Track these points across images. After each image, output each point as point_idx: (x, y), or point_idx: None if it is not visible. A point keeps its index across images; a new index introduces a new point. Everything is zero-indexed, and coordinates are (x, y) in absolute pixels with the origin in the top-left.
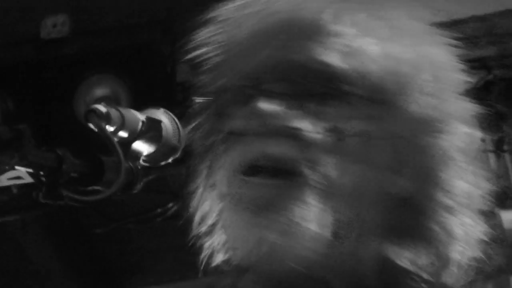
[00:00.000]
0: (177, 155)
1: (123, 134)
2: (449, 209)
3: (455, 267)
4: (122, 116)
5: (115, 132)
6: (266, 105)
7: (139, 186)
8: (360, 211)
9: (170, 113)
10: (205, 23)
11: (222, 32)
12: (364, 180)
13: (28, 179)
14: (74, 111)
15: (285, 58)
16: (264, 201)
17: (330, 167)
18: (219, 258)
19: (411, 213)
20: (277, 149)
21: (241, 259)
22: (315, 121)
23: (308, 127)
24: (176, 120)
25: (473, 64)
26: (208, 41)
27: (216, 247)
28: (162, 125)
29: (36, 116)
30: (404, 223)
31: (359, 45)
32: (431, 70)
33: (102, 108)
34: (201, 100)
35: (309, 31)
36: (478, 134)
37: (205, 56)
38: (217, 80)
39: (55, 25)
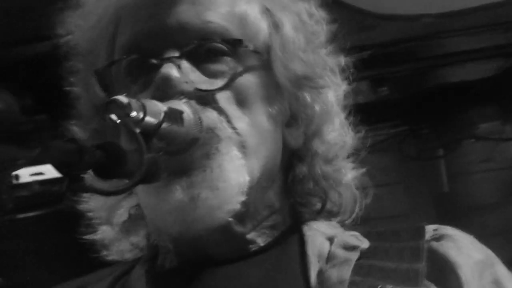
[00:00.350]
0: (199, 145)
1: (145, 124)
2: (325, 158)
3: (344, 207)
4: (144, 107)
5: (136, 123)
6: (172, 71)
7: (162, 177)
8: (267, 161)
9: (192, 103)
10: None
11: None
12: (267, 131)
13: (50, 175)
14: None
15: (178, 23)
16: (193, 162)
17: (241, 120)
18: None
19: (298, 162)
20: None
21: (171, 228)
22: (216, 79)
23: (208, 84)
24: (198, 111)
25: (492, 51)
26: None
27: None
28: (184, 115)
29: (55, 110)
30: (295, 172)
31: (244, 10)
32: (304, 28)
33: (123, 98)
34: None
35: None
36: (345, 86)
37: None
38: (106, 55)
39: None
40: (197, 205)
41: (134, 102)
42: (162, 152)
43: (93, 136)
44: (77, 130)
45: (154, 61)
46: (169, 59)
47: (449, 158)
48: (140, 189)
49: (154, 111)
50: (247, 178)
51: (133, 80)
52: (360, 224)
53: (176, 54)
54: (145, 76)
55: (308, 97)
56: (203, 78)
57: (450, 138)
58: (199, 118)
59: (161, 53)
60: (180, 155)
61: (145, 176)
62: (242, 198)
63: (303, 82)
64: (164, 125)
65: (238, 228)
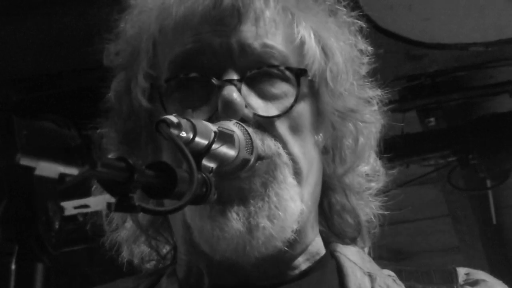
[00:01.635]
0: (250, 166)
1: (195, 144)
2: (358, 191)
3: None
4: (194, 127)
5: (187, 143)
6: (234, 95)
7: (212, 197)
8: (314, 187)
9: (243, 125)
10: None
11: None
12: (314, 158)
13: (95, 207)
14: None
15: (239, 44)
16: (251, 190)
17: (295, 147)
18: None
19: (330, 191)
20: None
21: (219, 253)
22: (272, 103)
23: (266, 109)
24: (249, 131)
25: None
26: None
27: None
28: (235, 136)
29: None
30: (330, 201)
31: (302, 36)
32: (351, 59)
33: (173, 118)
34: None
35: (248, 15)
36: (382, 121)
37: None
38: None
39: (118, 53)
40: (255, 235)
41: (184, 122)
42: (212, 173)
43: (125, 144)
44: (109, 135)
45: (214, 81)
46: (231, 82)
47: (497, 189)
48: (188, 209)
49: (205, 131)
50: (301, 206)
51: (185, 94)
52: (399, 259)
53: (237, 77)
54: (200, 93)
55: (353, 129)
56: (260, 102)
57: (498, 169)
58: (250, 139)
59: (221, 73)
60: (236, 180)
61: (195, 196)
62: (296, 226)
63: (350, 114)
64: (214, 145)
65: (289, 255)
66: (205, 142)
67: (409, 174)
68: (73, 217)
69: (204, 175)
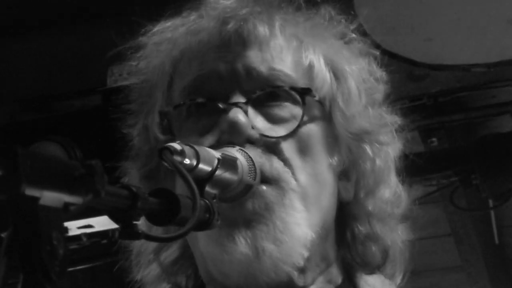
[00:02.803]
0: (253, 192)
1: (198, 171)
2: (381, 218)
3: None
4: (197, 154)
5: (190, 169)
6: (240, 117)
7: (216, 223)
8: (325, 212)
9: (245, 151)
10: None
11: (156, 54)
12: (327, 182)
13: (98, 227)
14: None
15: (245, 68)
16: (255, 214)
17: (304, 171)
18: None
19: (352, 219)
20: (257, 157)
21: (232, 279)
22: (279, 125)
23: (273, 131)
24: (252, 158)
25: None
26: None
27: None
28: (238, 162)
29: (102, 164)
30: (353, 231)
31: (311, 60)
32: (365, 84)
33: (176, 145)
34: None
35: (254, 41)
36: (400, 145)
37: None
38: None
39: (121, 74)
40: (262, 259)
41: (187, 149)
42: (216, 199)
43: (146, 179)
44: (131, 172)
45: (220, 105)
46: (236, 104)
47: (500, 209)
48: (201, 237)
49: (208, 158)
50: (309, 232)
51: (195, 122)
52: (410, 277)
53: (243, 99)
54: (208, 119)
55: (369, 151)
56: (268, 124)
57: (500, 189)
58: (253, 165)
59: (228, 97)
60: (242, 204)
61: (199, 223)
62: (306, 252)
63: (365, 136)
64: (218, 172)
65: (300, 282)
66: (208, 168)
67: (412, 194)
68: (77, 237)
69: (207, 201)
